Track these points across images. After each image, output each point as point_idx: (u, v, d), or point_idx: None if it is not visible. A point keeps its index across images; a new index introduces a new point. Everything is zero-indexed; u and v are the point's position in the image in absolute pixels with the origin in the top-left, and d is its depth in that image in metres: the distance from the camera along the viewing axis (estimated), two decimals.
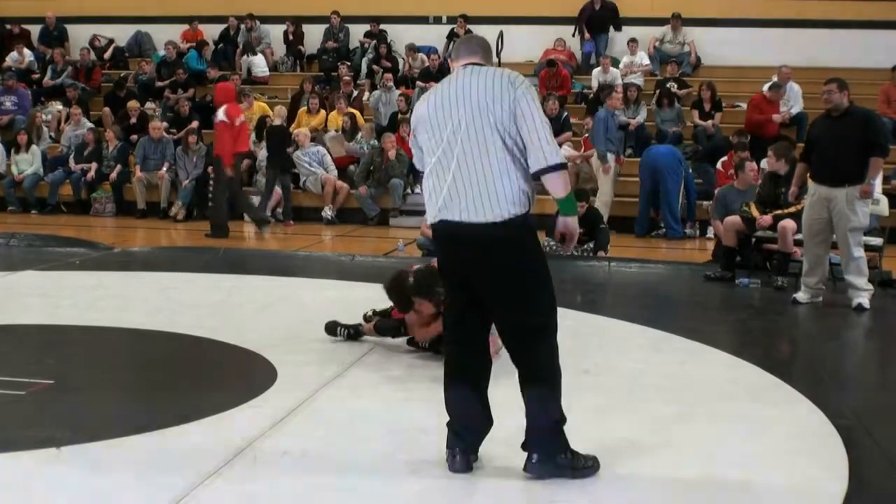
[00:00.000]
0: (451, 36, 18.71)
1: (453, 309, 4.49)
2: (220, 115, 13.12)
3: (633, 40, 17.58)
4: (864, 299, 8.53)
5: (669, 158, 13.58)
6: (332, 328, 6.92)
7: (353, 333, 6.88)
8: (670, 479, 4.40)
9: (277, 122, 14.98)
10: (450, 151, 4.22)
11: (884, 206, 10.38)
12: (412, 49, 18.23)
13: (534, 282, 4.26)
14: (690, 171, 13.88)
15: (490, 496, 4.22)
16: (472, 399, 4.43)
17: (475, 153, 4.15)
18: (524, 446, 4.36)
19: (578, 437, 4.91)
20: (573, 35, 18.42)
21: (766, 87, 14.81)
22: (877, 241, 9.82)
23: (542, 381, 4.30)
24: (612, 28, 18.39)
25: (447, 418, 4.44)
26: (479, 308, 4.35)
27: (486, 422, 4.45)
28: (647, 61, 17.62)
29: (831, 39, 17.38)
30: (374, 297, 6.86)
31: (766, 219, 9.67)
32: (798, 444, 4.91)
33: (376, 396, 5.67)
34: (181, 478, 4.22)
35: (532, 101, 4.15)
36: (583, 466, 4.35)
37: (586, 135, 14.62)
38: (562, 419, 4.33)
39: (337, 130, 15.68)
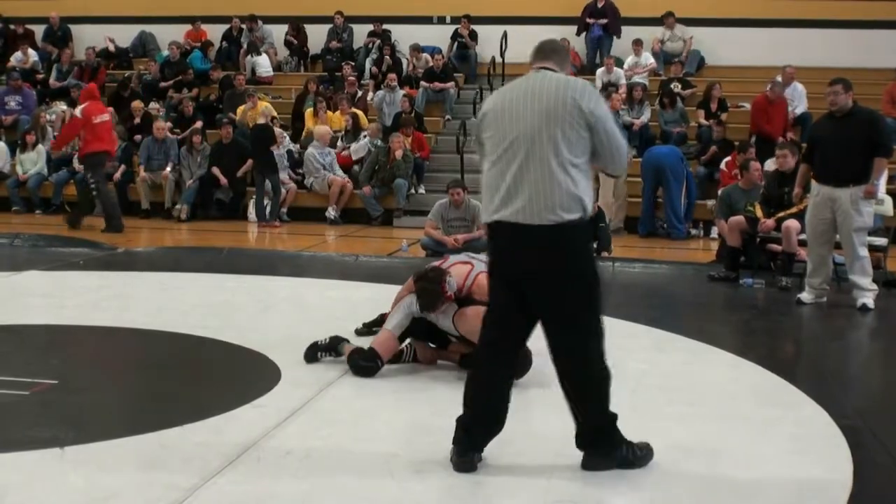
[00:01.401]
0: (455, 36, 18.74)
1: (496, 309, 4.50)
2: (76, 111, 13.66)
3: (637, 41, 17.57)
4: (868, 299, 8.53)
5: (671, 158, 13.58)
6: (311, 354, 6.30)
7: (333, 349, 6.30)
8: (674, 479, 4.39)
9: (261, 121, 14.95)
10: (511, 153, 4.26)
11: (888, 206, 10.37)
12: (416, 49, 18.23)
13: (584, 285, 4.32)
14: (690, 170, 13.89)
15: (493, 497, 4.21)
16: (495, 393, 4.45)
17: (537, 157, 4.20)
18: (580, 445, 4.42)
19: None
20: (577, 34, 18.39)
21: (767, 88, 14.82)
22: (881, 241, 9.81)
23: (595, 381, 4.38)
24: (613, 36, 18.33)
25: (455, 415, 4.44)
26: (524, 311, 4.37)
27: (498, 421, 4.46)
28: (651, 61, 17.60)
29: (836, 39, 17.36)
30: (377, 297, 6.86)
31: (769, 223, 9.67)
32: (802, 444, 4.90)
33: (380, 397, 5.67)
34: (185, 478, 4.22)
35: (605, 109, 4.25)
36: (640, 456, 4.44)
37: None
38: (615, 415, 4.42)
39: (339, 131, 15.69)
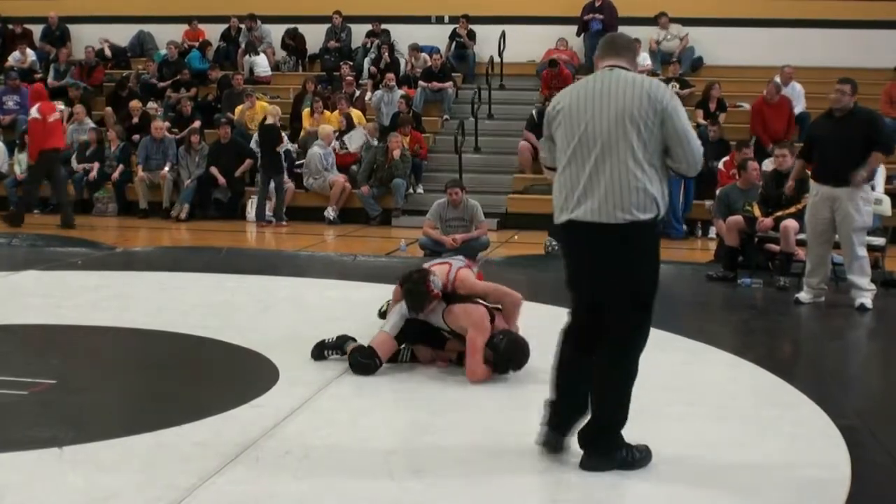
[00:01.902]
0: (453, 36, 18.73)
1: (576, 310, 4.58)
2: (33, 112, 13.86)
3: (634, 40, 17.54)
4: (866, 299, 8.53)
5: None
6: (318, 352, 6.32)
7: (339, 348, 6.31)
8: (672, 479, 4.39)
9: (269, 121, 14.96)
10: (586, 151, 4.29)
11: (886, 206, 10.38)
12: (415, 49, 18.23)
13: (646, 287, 4.38)
14: None
15: (492, 496, 4.21)
16: (581, 381, 4.49)
17: (612, 156, 4.22)
18: (582, 443, 4.45)
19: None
20: (577, 35, 18.39)
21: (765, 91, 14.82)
22: (879, 241, 9.81)
23: (625, 376, 4.43)
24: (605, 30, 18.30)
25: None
26: (600, 309, 4.44)
27: (583, 407, 4.49)
28: (648, 62, 17.59)
29: (835, 39, 17.36)
30: (376, 297, 6.85)
31: (767, 222, 9.67)
32: (800, 444, 4.90)
33: (378, 396, 5.67)
34: (184, 478, 4.22)
35: (679, 109, 4.28)
36: (639, 458, 4.45)
37: None
38: (624, 419, 4.45)
39: (335, 131, 15.68)
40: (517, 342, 5.93)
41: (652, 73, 17.50)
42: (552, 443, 4.53)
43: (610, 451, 4.41)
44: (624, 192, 4.20)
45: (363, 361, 5.99)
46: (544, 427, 4.55)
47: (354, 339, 6.27)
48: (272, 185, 14.49)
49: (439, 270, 6.23)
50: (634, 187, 4.20)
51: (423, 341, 6.22)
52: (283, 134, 15.53)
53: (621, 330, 4.40)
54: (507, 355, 5.86)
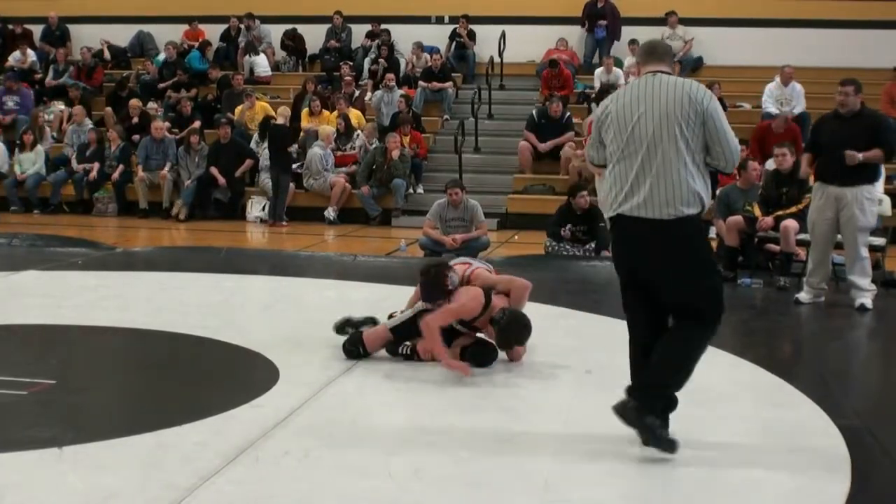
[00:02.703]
0: (453, 36, 18.73)
1: (628, 309, 4.79)
2: None
3: (633, 41, 17.57)
4: (867, 299, 8.53)
5: None
6: (341, 326, 6.69)
7: (358, 325, 6.66)
8: (672, 479, 4.40)
9: (280, 121, 14.99)
10: (634, 151, 4.56)
11: (887, 207, 10.37)
12: (419, 47, 18.24)
13: (699, 275, 4.60)
14: None
15: (491, 496, 4.21)
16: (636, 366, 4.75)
17: (659, 154, 4.50)
18: (630, 390, 4.62)
19: (580, 437, 4.92)
20: (583, 26, 18.38)
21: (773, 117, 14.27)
22: (880, 241, 9.81)
23: (686, 352, 4.60)
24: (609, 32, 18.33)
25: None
26: (651, 302, 4.66)
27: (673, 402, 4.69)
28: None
29: (835, 39, 17.37)
30: (375, 297, 6.85)
31: (768, 221, 9.67)
32: (801, 444, 4.90)
33: (379, 396, 5.67)
34: (183, 478, 4.23)
35: (718, 108, 4.56)
36: (663, 439, 4.54)
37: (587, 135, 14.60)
38: (675, 399, 4.66)
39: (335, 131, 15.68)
40: (518, 317, 6.06)
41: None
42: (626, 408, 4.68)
43: (643, 409, 4.54)
44: (669, 188, 4.47)
45: (348, 348, 6.28)
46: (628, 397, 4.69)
47: (376, 322, 6.53)
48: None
49: (459, 269, 6.41)
50: (679, 184, 4.47)
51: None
52: None
53: (688, 315, 4.59)
54: (507, 330, 5.99)
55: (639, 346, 4.74)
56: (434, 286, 6.15)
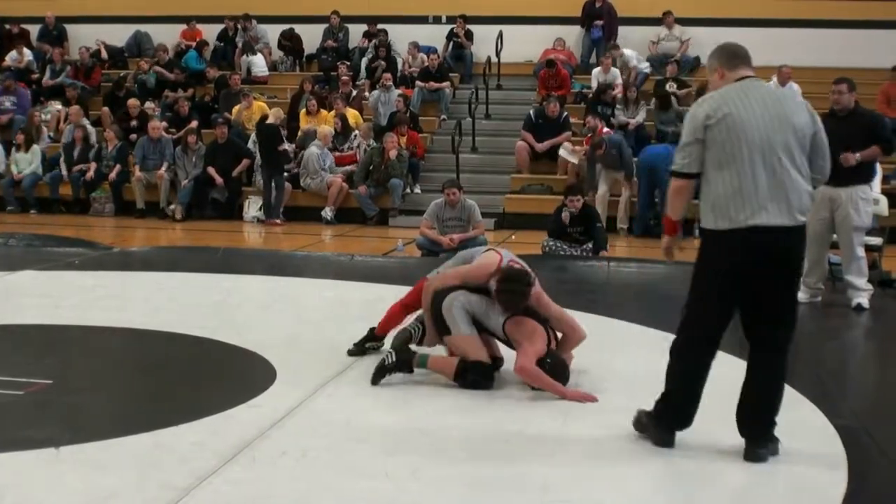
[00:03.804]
0: (451, 36, 18.73)
1: (714, 310, 4.72)
2: None
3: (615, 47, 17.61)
4: (863, 299, 8.53)
5: (666, 157, 13.56)
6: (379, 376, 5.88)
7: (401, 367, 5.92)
8: (669, 479, 4.40)
9: (270, 120, 14.98)
10: (758, 158, 4.49)
11: (883, 206, 10.37)
12: (415, 46, 18.24)
13: (796, 285, 4.75)
14: None
15: (489, 496, 4.21)
16: (703, 380, 4.74)
17: (782, 164, 4.49)
18: (754, 435, 4.69)
19: (579, 437, 4.92)
20: (582, 25, 18.40)
21: None
22: (876, 240, 9.81)
23: (784, 377, 4.71)
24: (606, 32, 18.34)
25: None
26: (727, 321, 4.72)
27: (698, 402, 4.75)
28: (634, 62, 17.58)
29: (831, 39, 17.37)
30: (373, 297, 6.84)
31: None
32: (798, 443, 4.89)
33: (375, 397, 5.66)
34: (180, 478, 4.23)
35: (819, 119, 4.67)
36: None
37: (588, 134, 14.64)
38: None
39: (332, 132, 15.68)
40: (562, 366, 5.79)
41: (644, 75, 17.56)
42: (672, 441, 4.74)
43: (774, 438, 4.68)
44: (793, 196, 4.49)
45: (481, 382, 5.74)
46: (665, 429, 4.74)
47: (411, 352, 5.96)
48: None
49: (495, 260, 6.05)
50: (800, 192, 4.52)
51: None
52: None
53: (782, 331, 4.66)
54: (552, 376, 5.70)
55: (703, 367, 4.72)
56: (522, 295, 5.76)
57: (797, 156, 4.52)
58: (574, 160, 14.84)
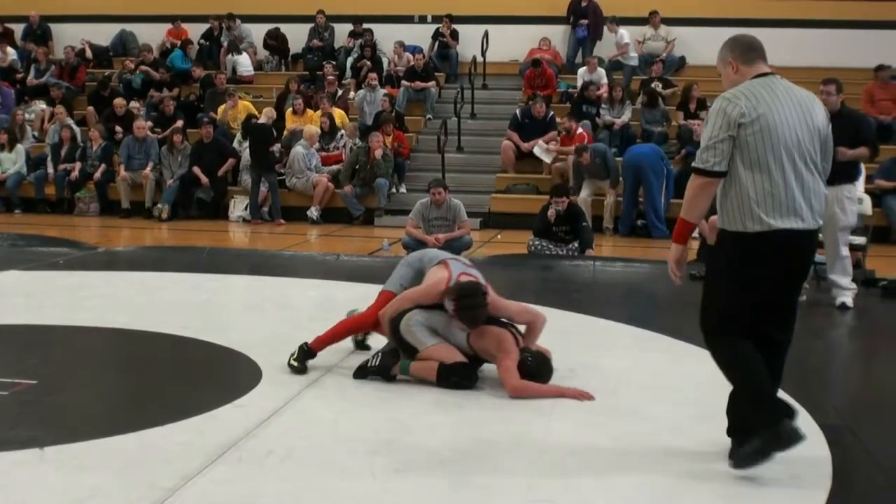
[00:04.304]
0: (436, 35, 18.74)
1: (748, 309, 4.50)
2: None
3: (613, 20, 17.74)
4: (847, 298, 8.58)
5: (651, 157, 13.62)
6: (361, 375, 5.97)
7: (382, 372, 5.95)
8: (655, 478, 4.41)
9: (262, 120, 14.96)
10: (790, 159, 4.37)
11: (867, 206, 10.42)
12: (401, 46, 18.23)
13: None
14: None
15: (474, 496, 4.22)
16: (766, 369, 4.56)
17: (810, 166, 4.43)
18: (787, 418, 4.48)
19: (564, 436, 4.93)
20: (569, 22, 18.44)
21: None
22: (860, 240, 9.86)
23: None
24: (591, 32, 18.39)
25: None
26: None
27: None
28: (626, 39, 17.70)
29: (815, 39, 17.47)
30: (359, 297, 6.83)
31: None
32: None
33: (361, 396, 5.66)
34: (166, 478, 4.22)
35: None
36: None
37: (563, 133, 14.71)
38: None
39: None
40: (544, 363, 5.79)
41: (631, 68, 17.63)
42: (795, 429, 4.41)
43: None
44: (817, 198, 4.43)
45: (463, 382, 5.72)
46: (783, 421, 4.40)
47: (396, 359, 5.94)
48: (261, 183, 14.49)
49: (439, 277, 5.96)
50: (820, 195, 4.46)
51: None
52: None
53: (789, 329, 4.62)
54: (536, 376, 5.69)
55: (758, 360, 4.51)
56: (482, 309, 5.70)
57: (818, 158, 4.47)
58: (548, 159, 14.88)
